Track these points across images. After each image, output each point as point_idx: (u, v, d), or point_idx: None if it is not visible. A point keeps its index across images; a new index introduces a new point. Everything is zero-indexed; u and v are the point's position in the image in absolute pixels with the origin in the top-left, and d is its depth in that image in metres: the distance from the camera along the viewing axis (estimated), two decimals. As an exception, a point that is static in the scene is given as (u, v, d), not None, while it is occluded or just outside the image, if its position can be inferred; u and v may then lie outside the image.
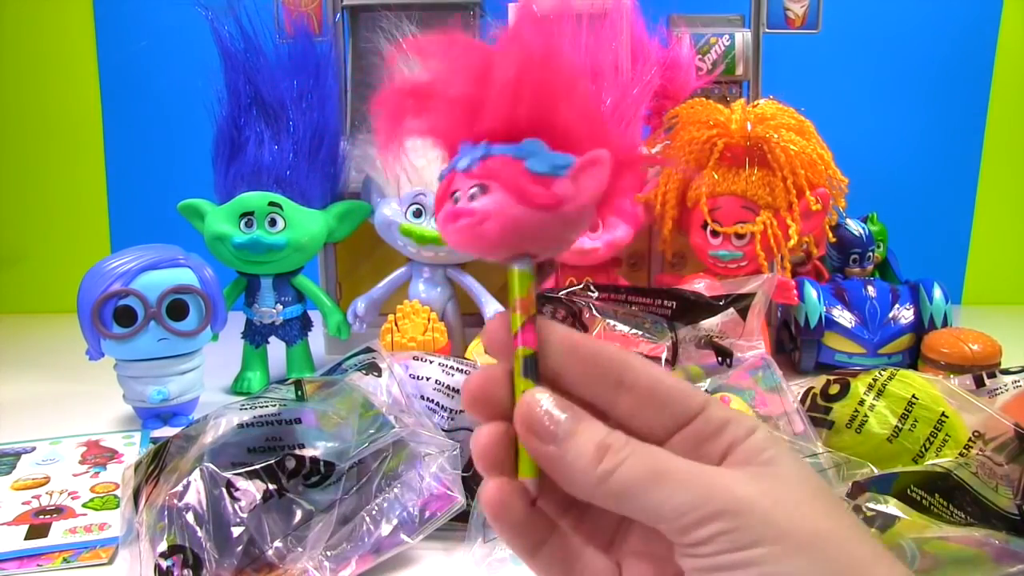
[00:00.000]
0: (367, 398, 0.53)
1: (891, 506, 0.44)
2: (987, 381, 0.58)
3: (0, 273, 1.24)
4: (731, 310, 0.68)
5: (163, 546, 0.44)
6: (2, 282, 1.25)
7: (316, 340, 0.90)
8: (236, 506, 0.46)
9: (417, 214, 0.81)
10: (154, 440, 0.62)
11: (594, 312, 0.66)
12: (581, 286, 0.69)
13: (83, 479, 0.61)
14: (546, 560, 0.26)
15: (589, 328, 0.64)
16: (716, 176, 0.80)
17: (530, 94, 0.24)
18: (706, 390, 0.53)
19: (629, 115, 0.75)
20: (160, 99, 1.17)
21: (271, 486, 0.47)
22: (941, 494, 0.46)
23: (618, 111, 0.75)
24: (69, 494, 0.59)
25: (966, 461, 0.47)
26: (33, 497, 0.58)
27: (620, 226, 0.82)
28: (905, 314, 0.85)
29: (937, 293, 0.84)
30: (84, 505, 0.57)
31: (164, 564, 0.44)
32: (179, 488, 0.46)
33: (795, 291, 0.84)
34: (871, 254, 0.93)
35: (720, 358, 0.65)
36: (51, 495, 0.59)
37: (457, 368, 0.58)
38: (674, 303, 0.68)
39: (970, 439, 0.50)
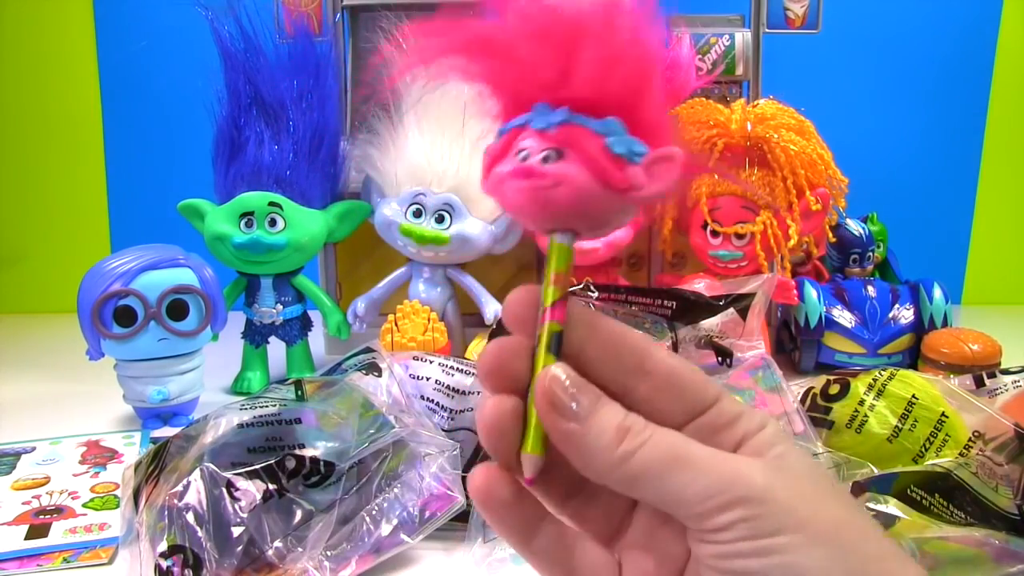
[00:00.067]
0: (367, 398, 0.53)
1: (891, 506, 0.44)
2: (987, 381, 0.58)
3: (0, 273, 1.24)
4: (731, 310, 0.68)
5: (163, 546, 0.44)
6: (2, 282, 1.25)
7: (316, 340, 0.90)
8: (236, 506, 0.46)
9: (417, 214, 0.81)
10: (154, 440, 0.62)
11: (594, 312, 0.65)
12: (581, 286, 0.69)
13: (83, 479, 0.61)
14: (541, 549, 0.25)
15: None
16: (716, 176, 0.80)
17: (624, 73, 0.24)
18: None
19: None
20: (160, 99, 1.17)
21: (271, 486, 0.47)
22: (941, 494, 0.46)
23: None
24: (69, 494, 0.59)
25: (966, 461, 0.47)
26: (33, 497, 0.58)
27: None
28: (905, 314, 0.85)
29: (937, 293, 0.84)
30: (84, 505, 0.57)
31: (164, 564, 0.44)
32: (179, 488, 0.46)
33: (795, 291, 0.84)
34: (871, 254, 0.93)
35: (720, 358, 0.65)
36: (51, 495, 0.59)
37: (457, 368, 0.58)
38: (674, 303, 0.68)
39: (970, 439, 0.50)
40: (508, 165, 0.24)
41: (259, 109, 0.80)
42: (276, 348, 0.86)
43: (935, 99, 1.20)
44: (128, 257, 0.70)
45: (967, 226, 1.25)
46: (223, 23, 0.79)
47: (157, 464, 0.50)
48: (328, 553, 0.46)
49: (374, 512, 0.49)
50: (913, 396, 0.53)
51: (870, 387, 0.54)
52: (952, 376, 0.60)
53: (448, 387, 0.57)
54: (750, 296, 0.70)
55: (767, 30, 0.92)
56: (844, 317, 0.85)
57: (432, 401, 0.56)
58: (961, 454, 0.50)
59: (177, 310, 0.71)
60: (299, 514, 0.47)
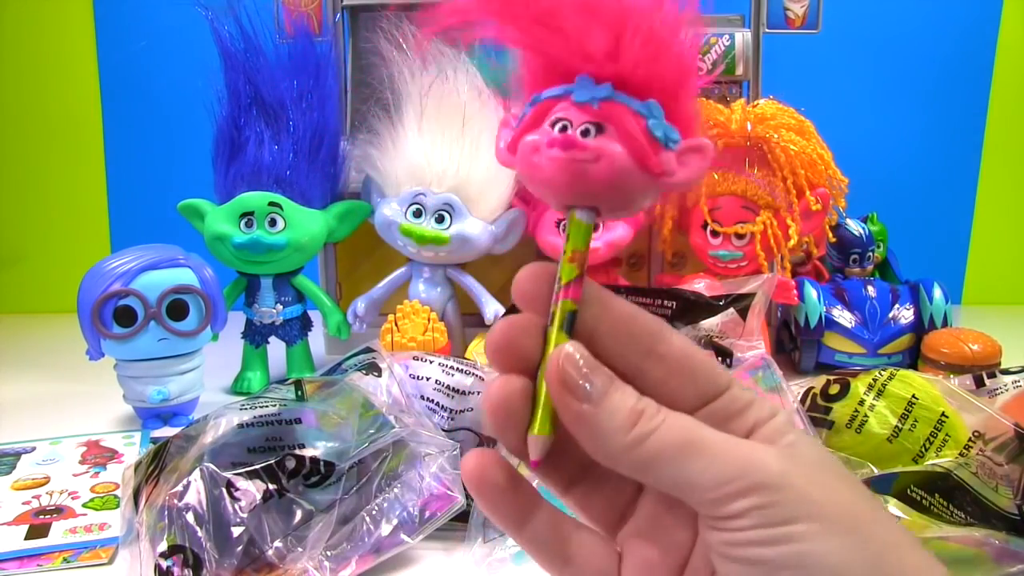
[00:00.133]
0: (367, 398, 0.53)
1: (891, 506, 0.44)
2: (987, 381, 0.58)
3: (0, 273, 1.24)
4: (731, 310, 0.68)
5: (163, 546, 0.44)
6: (2, 282, 1.25)
7: (316, 340, 0.90)
8: (236, 506, 0.46)
9: (417, 214, 0.81)
10: (154, 440, 0.62)
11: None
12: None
13: (83, 479, 0.61)
14: (535, 536, 0.25)
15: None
16: (716, 176, 0.80)
17: (672, 58, 0.24)
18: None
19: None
20: (160, 99, 1.17)
21: (271, 486, 0.47)
22: (941, 494, 0.46)
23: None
24: (69, 494, 0.59)
25: (966, 461, 0.47)
26: (33, 497, 0.58)
27: (620, 226, 0.82)
28: (905, 314, 0.85)
29: (937, 293, 0.84)
30: (84, 505, 0.57)
31: (164, 564, 0.44)
32: (179, 488, 0.46)
33: (795, 291, 0.84)
34: (871, 254, 0.93)
35: (720, 358, 0.65)
36: (51, 495, 0.59)
37: (457, 368, 0.58)
38: (674, 303, 0.68)
39: (970, 439, 0.50)
40: (543, 135, 0.24)
41: (259, 109, 0.80)
42: (276, 348, 0.86)
43: (935, 99, 1.20)
44: (128, 257, 0.70)
45: (967, 226, 1.25)
46: (223, 23, 0.79)
47: (157, 464, 0.50)
48: (328, 553, 0.46)
49: (374, 512, 0.49)
50: (913, 396, 0.53)
51: (870, 387, 0.54)
52: (952, 376, 0.60)
53: (448, 387, 0.57)
54: (750, 296, 0.70)
55: (767, 30, 0.92)
56: (844, 317, 0.85)
57: (432, 401, 0.56)
58: (961, 454, 0.50)
59: (177, 310, 0.71)
60: (299, 514, 0.47)
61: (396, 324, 0.78)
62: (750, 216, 0.79)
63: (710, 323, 0.68)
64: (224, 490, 0.46)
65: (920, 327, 0.84)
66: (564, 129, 0.24)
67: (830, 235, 0.88)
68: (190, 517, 0.45)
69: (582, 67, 0.24)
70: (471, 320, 0.88)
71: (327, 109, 0.82)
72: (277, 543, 0.46)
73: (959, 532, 0.42)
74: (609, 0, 0.23)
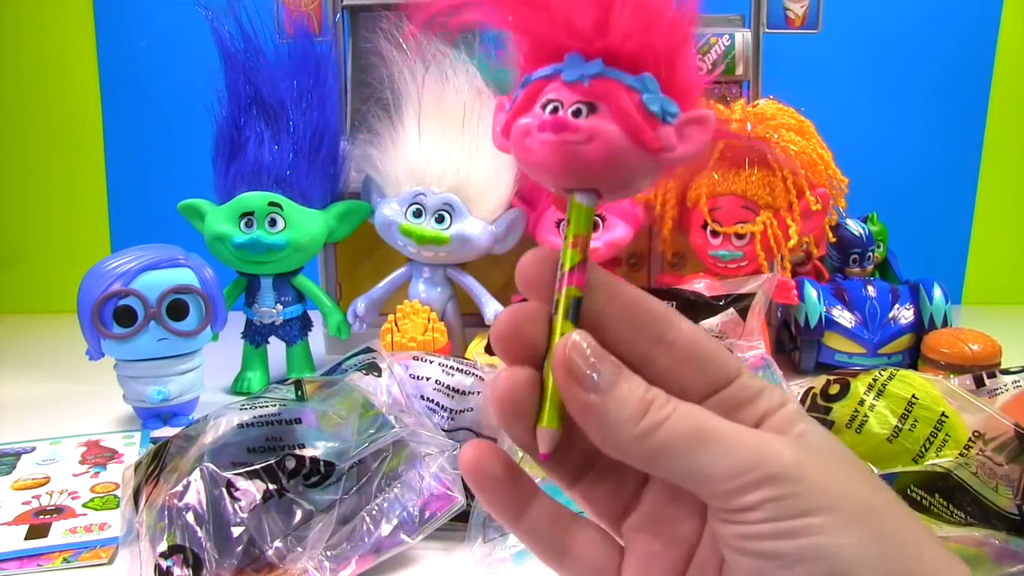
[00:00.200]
0: (367, 398, 0.53)
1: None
2: (987, 381, 0.58)
3: (0, 273, 1.24)
4: (731, 310, 0.68)
5: (163, 546, 0.44)
6: (2, 282, 1.25)
7: (316, 340, 0.90)
8: (236, 506, 0.46)
9: (417, 214, 0.81)
10: (154, 440, 0.62)
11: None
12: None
13: (83, 479, 0.61)
14: (532, 527, 0.25)
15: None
16: (716, 176, 0.80)
17: (664, 28, 0.23)
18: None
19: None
20: (160, 99, 1.17)
21: (271, 486, 0.47)
22: (941, 494, 0.46)
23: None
24: (69, 494, 0.59)
25: (966, 461, 0.47)
26: (33, 497, 0.58)
27: (620, 226, 0.82)
28: (905, 314, 0.85)
29: (937, 293, 0.84)
30: (84, 505, 0.57)
31: (164, 564, 0.44)
32: (179, 488, 0.46)
33: (795, 291, 0.84)
34: (871, 254, 0.93)
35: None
36: (51, 495, 0.59)
37: (457, 368, 0.58)
38: (674, 303, 0.68)
39: (970, 439, 0.50)
40: (534, 118, 0.23)
41: (259, 109, 0.80)
42: (276, 348, 0.86)
43: (935, 99, 1.20)
44: (128, 257, 0.70)
45: (967, 226, 1.25)
46: (223, 23, 0.79)
47: (157, 464, 0.50)
48: (328, 553, 0.46)
49: (374, 512, 0.49)
50: (913, 396, 0.53)
51: (870, 387, 0.54)
52: (952, 376, 0.60)
53: (448, 387, 0.57)
54: (750, 296, 0.70)
55: (767, 30, 0.92)
56: (844, 317, 0.85)
57: (432, 401, 0.56)
58: (961, 454, 0.50)
59: (177, 310, 0.71)
60: (299, 514, 0.47)
61: (396, 324, 0.78)
62: (750, 216, 0.79)
63: (710, 323, 0.68)
64: (224, 490, 0.46)
65: (920, 327, 0.84)
66: (555, 111, 0.23)
67: (830, 235, 0.88)
68: (190, 517, 0.45)
69: (570, 44, 0.23)
70: (471, 320, 0.88)
71: (327, 109, 0.82)
72: (277, 543, 0.46)
73: (959, 532, 0.42)
74: None
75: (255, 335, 0.84)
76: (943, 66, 1.19)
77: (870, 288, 0.88)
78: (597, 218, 0.79)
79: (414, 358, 0.59)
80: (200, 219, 0.80)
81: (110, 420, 0.75)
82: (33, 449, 0.67)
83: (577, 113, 0.23)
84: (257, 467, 0.47)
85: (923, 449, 0.51)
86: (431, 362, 0.59)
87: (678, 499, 0.24)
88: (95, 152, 1.22)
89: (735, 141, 0.78)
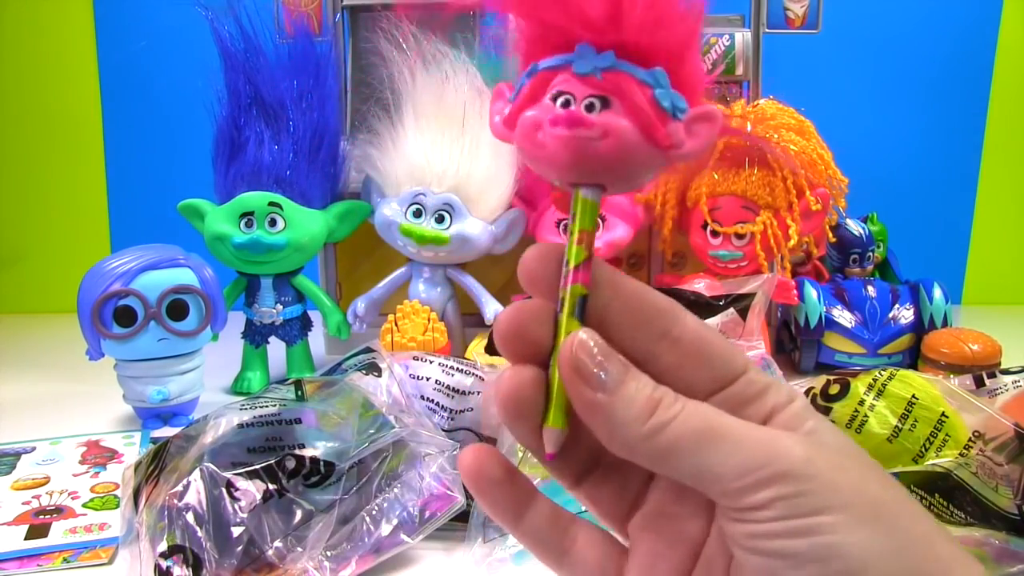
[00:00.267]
0: (367, 398, 0.53)
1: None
2: (987, 381, 0.58)
3: (0, 273, 1.24)
4: (731, 310, 0.68)
5: (163, 546, 0.44)
6: (2, 282, 1.25)
7: (316, 340, 0.90)
8: (236, 506, 0.46)
9: (417, 214, 0.81)
10: (154, 440, 0.62)
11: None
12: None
13: (83, 479, 0.61)
14: (532, 529, 0.25)
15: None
16: (716, 176, 0.80)
17: (676, 22, 0.22)
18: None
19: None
20: (160, 99, 1.17)
21: (271, 486, 0.47)
22: (941, 494, 0.46)
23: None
24: (69, 494, 0.59)
25: (966, 461, 0.47)
26: (33, 497, 0.58)
27: (620, 226, 0.82)
28: (905, 314, 0.85)
29: (937, 293, 0.84)
30: (84, 505, 0.57)
31: (164, 564, 0.44)
32: (179, 488, 0.46)
33: (795, 291, 0.84)
34: (871, 254, 0.93)
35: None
36: (51, 495, 0.59)
37: (457, 368, 0.58)
38: (674, 303, 0.68)
39: (970, 439, 0.50)
40: (544, 111, 0.23)
41: (259, 109, 0.80)
42: (276, 348, 0.86)
43: (935, 99, 1.20)
44: (128, 257, 0.70)
45: (967, 226, 1.25)
46: (223, 23, 0.79)
47: (157, 464, 0.50)
48: (328, 553, 0.46)
49: (374, 512, 0.49)
50: (913, 396, 0.53)
51: (870, 387, 0.54)
52: (952, 376, 0.60)
53: (448, 387, 0.57)
54: (750, 296, 0.70)
55: (767, 30, 0.92)
56: (844, 317, 0.85)
57: (432, 401, 0.56)
58: (961, 454, 0.50)
59: (177, 310, 0.71)
60: (299, 514, 0.47)
61: (396, 324, 0.78)
62: (750, 216, 0.79)
63: (710, 323, 0.68)
64: (224, 490, 0.46)
65: (920, 327, 0.84)
66: (567, 104, 0.22)
67: (830, 235, 0.88)
68: (190, 517, 0.45)
69: (581, 34, 0.22)
70: (471, 320, 0.88)
71: (327, 109, 0.82)
72: (277, 543, 0.46)
73: (959, 532, 0.42)
74: None
75: (255, 335, 0.84)
76: (943, 66, 1.19)
77: (870, 288, 0.88)
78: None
79: (414, 358, 0.59)
80: (200, 219, 0.80)
81: (110, 420, 0.75)
82: (33, 449, 0.67)
83: (590, 107, 0.22)
84: (257, 467, 0.47)
85: (923, 449, 0.51)
86: (431, 362, 0.59)
87: (684, 497, 0.24)
88: (95, 152, 1.22)
89: (737, 140, 0.78)
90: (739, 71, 0.92)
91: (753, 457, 0.20)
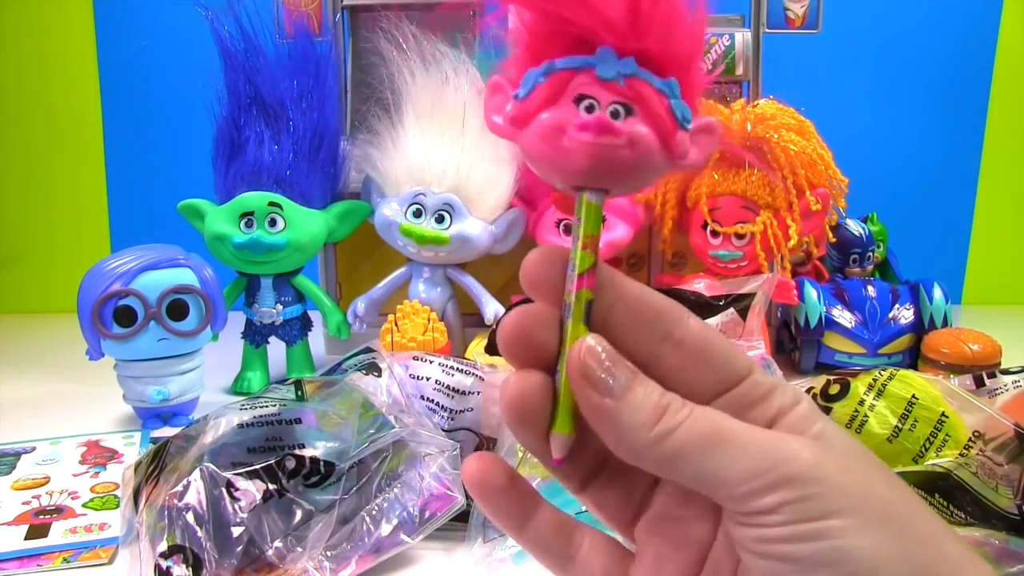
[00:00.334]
0: (367, 398, 0.53)
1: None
2: (987, 381, 0.58)
3: (0, 273, 1.24)
4: (731, 310, 0.68)
5: (163, 546, 0.44)
6: (2, 282, 1.25)
7: (316, 340, 0.90)
8: (236, 506, 0.46)
9: (417, 214, 0.81)
10: (154, 440, 0.62)
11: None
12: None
13: (83, 479, 0.61)
14: (536, 536, 0.25)
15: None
16: (716, 176, 0.80)
17: (691, 31, 0.23)
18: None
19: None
20: (160, 99, 1.17)
21: (271, 486, 0.47)
22: (941, 494, 0.46)
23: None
24: (69, 494, 0.59)
25: (966, 461, 0.47)
26: (33, 497, 0.58)
27: (620, 226, 0.82)
28: (905, 314, 0.85)
29: (937, 293, 0.84)
30: (84, 505, 0.57)
31: (164, 564, 0.44)
32: (179, 488, 0.46)
33: (795, 291, 0.84)
34: (871, 254, 0.93)
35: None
36: (51, 495, 0.59)
37: (457, 368, 0.58)
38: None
39: (970, 439, 0.50)
40: (568, 114, 0.22)
41: (259, 109, 0.80)
42: (276, 348, 0.86)
43: (935, 99, 1.20)
44: (128, 257, 0.70)
45: (967, 226, 1.25)
46: (223, 23, 0.79)
47: (157, 464, 0.50)
48: (328, 553, 0.46)
49: (374, 512, 0.49)
50: (913, 396, 0.53)
51: (870, 387, 0.54)
52: (952, 376, 0.60)
53: (448, 387, 0.57)
54: (750, 296, 0.70)
55: (767, 30, 0.92)
56: (844, 317, 0.85)
57: (432, 401, 0.56)
58: (961, 454, 0.50)
59: (177, 310, 0.71)
60: (299, 514, 0.47)
61: (396, 324, 0.78)
62: (750, 216, 0.79)
63: (710, 323, 0.68)
64: (224, 490, 0.46)
65: (920, 327, 0.84)
66: (590, 109, 0.22)
67: (830, 235, 0.88)
68: (190, 517, 0.45)
69: (604, 38, 0.22)
70: (471, 320, 0.88)
71: (327, 109, 0.82)
72: (277, 543, 0.46)
73: (959, 532, 0.42)
74: None
75: (255, 335, 0.84)
76: (943, 66, 1.19)
77: (870, 288, 0.88)
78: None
79: (414, 358, 0.59)
80: (200, 219, 0.80)
81: (110, 420, 0.75)
82: (33, 449, 0.67)
83: (615, 115, 0.22)
84: (257, 467, 0.47)
85: (923, 449, 0.51)
86: (431, 362, 0.59)
87: (690, 501, 0.24)
88: (95, 152, 1.22)
89: (732, 146, 0.78)
90: (739, 71, 0.92)
91: (759, 461, 0.20)
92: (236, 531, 0.45)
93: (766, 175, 0.78)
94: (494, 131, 0.24)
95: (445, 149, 0.80)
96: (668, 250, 0.89)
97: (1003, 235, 1.25)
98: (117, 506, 0.57)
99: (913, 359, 0.84)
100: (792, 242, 0.78)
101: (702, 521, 0.23)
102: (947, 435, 0.51)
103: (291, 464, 0.48)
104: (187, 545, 0.44)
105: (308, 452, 0.48)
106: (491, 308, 0.83)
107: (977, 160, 1.22)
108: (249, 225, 0.78)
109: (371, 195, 0.85)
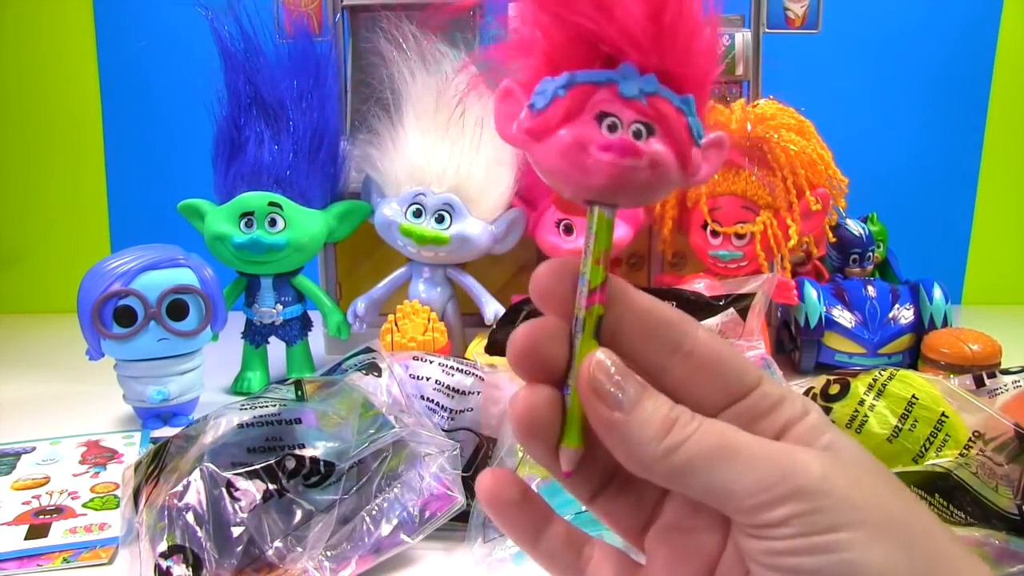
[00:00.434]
0: (367, 398, 0.53)
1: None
2: (987, 381, 0.58)
3: (0, 273, 1.24)
4: (731, 310, 0.68)
5: (163, 546, 0.44)
6: (2, 282, 1.25)
7: (316, 340, 0.90)
8: (236, 506, 0.46)
9: (417, 214, 0.81)
10: (154, 440, 0.62)
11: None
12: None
13: (83, 479, 0.61)
14: (548, 550, 0.25)
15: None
16: (716, 176, 0.80)
17: (709, 50, 0.23)
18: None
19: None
20: (160, 99, 1.17)
21: (271, 486, 0.47)
22: (941, 494, 0.46)
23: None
24: (69, 494, 0.59)
25: (966, 461, 0.47)
26: (33, 497, 0.58)
27: (620, 226, 0.82)
28: (905, 314, 0.85)
29: (937, 293, 0.84)
30: (84, 505, 0.57)
31: (164, 564, 0.44)
32: (179, 488, 0.46)
33: (795, 291, 0.84)
34: (871, 254, 0.93)
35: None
36: (51, 495, 0.59)
37: (457, 368, 0.58)
38: (674, 303, 0.68)
39: (970, 439, 0.50)
40: (590, 132, 0.22)
41: (259, 109, 0.80)
42: (276, 348, 0.86)
43: (935, 99, 1.20)
44: (128, 257, 0.70)
45: (967, 226, 1.25)
46: (223, 23, 0.79)
47: (157, 464, 0.50)
48: (328, 553, 0.46)
49: (374, 512, 0.49)
50: (913, 396, 0.53)
51: (870, 387, 0.54)
52: (952, 376, 0.60)
53: (448, 387, 0.57)
54: (750, 296, 0.70)
55: (767, 30, 0.92)
56: (844, 317, 0.85)
57: (432, 401, 0.56)
58: (961, 454, 0.50)
59: (177, 310, 0.71)
60: (299, 514, 0.47)
61: (396, 324, 0.78)
62: (750, 216, 0.79)
63: (710, 323, 0.68)
64: (224, 490, 0.46)
65: (920, 327, 0.84)
66: (613, 128, 0.22)
67: (830, 235, 0.88)
68: (190, 517, 0.45)
69: (628, 53, 0.22)
70: (471, 320, 0.88)
71: (327, 109, 0.82)
72: (277, 543, 0.46)
73: (959, 532, 0.42)
74: None
75: (255, 335, 0.84)
76: (943, 66, 1.19)
77: (870, 288, 0.88)
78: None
79: (414, 358, 0.59)
80: (200, 219, 0.80)
81: (110, 420, 0.75)
82: (33, 449, 0.67)
83: (637, 135, 0.22)
84: (257, 467, 0.47)
85: (923, 449, 0.51)
86: (431, 362, 0.59)
87: (699, 512, 0.23)
88: (95, 152, 1.22)
89: (734, 152, 0.78)
90: (739, 71, 0.92)
91: (768, 474, 0.20)
92: (236, 531, 0.45)
93: (766, 175, 0.78)
94: (507, 140, 0.24)
95: (445, 149, 0.80)
96: (668, 250, 0.89)
97: (1003, 235, 1.25)
98: (117, 506, 0.57)
99: (913, 359, 0.84)
100: (792, 242, 0.78)
101: (711, 532, 0.24)
102: (947, 435, 0.51)
103: (291, 464, 0.48)
104: (187, 545, 0.44)
105: (308, 452, 0.48)
106: (491, 308, 0.83)
107: (977, 160, 1.22)
108: (249, 225, 0.78)
109: (371, 195, 0.85)
